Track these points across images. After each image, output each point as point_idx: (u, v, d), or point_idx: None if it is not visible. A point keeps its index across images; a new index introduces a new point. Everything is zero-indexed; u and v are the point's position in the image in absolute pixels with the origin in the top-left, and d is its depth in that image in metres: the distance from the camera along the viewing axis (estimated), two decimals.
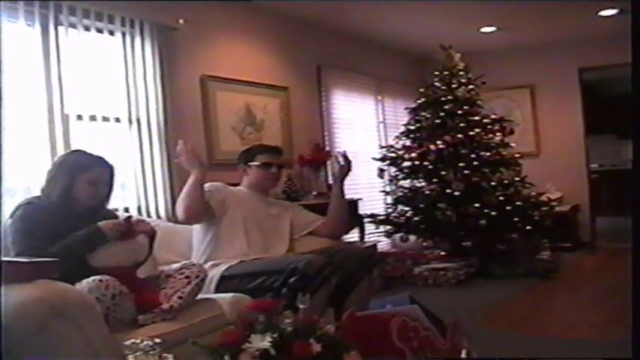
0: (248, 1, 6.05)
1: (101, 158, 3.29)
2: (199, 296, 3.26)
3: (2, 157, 3.46)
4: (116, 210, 3.96)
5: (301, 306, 2.35)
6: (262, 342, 2.13)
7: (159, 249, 3.88)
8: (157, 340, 2.20)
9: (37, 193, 3.25)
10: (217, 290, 3.56)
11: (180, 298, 3.06)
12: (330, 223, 4.24)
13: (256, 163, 4.08)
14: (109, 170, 3.28)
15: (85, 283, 2.73)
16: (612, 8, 6.98)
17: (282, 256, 3.82)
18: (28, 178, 3.97)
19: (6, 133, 3.77)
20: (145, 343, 2.16)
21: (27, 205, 3.08)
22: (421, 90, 7.28)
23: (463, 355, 2.94)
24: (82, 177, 3.14)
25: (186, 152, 3.72)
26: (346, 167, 4.32)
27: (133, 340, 2.18)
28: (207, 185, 3.88)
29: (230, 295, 3.38)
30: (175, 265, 3.31)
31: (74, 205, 3.13)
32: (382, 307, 3.03)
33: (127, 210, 4.57)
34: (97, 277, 2.76)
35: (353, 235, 6.74)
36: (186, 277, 3.17)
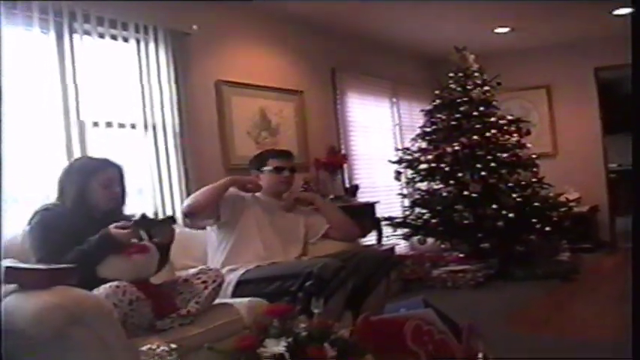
0: (263, 1, 5.97)
1: (107, 160, 3.32)
2: (217, 301, 3.27)
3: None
4: (133, 216, 3.98)
5: (315, 310, 2.35)
6: (277, 346, 2.13)
7: (176, 254, 3.90)
8: (173, 346, 2.20)
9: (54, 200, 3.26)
10: (234, 295, 3.58)
11: (197, 302, 3.07)
12: (334, 228, 4.25)
13: (269, 168, 4.11)
14: (118, 170, 3.29)
15: (103, 289, 2.74)
16: (626, 7, 6.93)
17: (299, 260, 3.82)
18: (46, 186, 3.98)
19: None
20: (161, 348, 2.16)
21: (44, 211, 3.09)
22: (436, 92, 7.25)
23: (479, 358, 2.91)
24: (94, 179, 3.15)
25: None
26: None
27: (149, 346, 2.18)
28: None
29: (247, 299, 3.39)
30: (192, 270, 3.32)
31: (91, 209, 3.15)
32: (396, 310, 3.02)
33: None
34: (114, 283, 2.77)
35: (371, 238, 6.73)
36: (204, 281, 3.17)
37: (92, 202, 3.15)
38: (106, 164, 3.28)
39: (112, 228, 2.95)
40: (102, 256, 2.92)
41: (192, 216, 3.90)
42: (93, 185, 3.15)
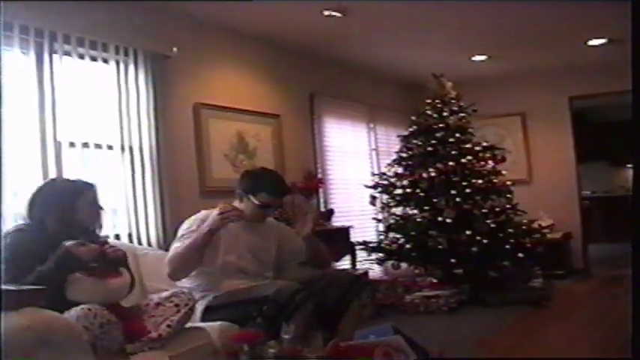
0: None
1: (82, 180, 3.44)
2: (188, 324, 3.27)
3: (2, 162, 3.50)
4: (107, 237, 3.98)
5: (285, 336, 2.36)
6: None
7: (148, 277, 3.90)
8: None
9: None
10: (203, 320, 3.56)
11: (169, 326, 3.07)
12: (312, 259, 4.20)
13: (256, 202, 3.89)
14: (96, 189, 3.40)
15: (74, 312, 2.75)
16: (601, 38, 7.06)
17: (262, 285, 3.74)
18: (20, 205, 3.96)
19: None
20: None
21: (17, 232, 3.10)
22: (413, 118, 7.31)
23: None
24: (82, 199, 3.26)
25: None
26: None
27: None
28: (203, 218, 3.82)
29: (218, 323, 3.40)
30: (165, 293, 3.32)
31: (75, 229, 3.19)
32: (366, 337, 3.04)
33: (117, 237, 4.57)
34: (86, 306, 2.77)
35: (345, 263, 6.75)
36: (176, 305, 3.18)
37: (78, 220, 3.23)
38: (87, 184, 3.39)
39: (69, 245, 2.95)
40: (63, 276, 2.91)
41: (177, 279, 3.75)
42: (82, 203, 3.25)
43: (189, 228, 3.79)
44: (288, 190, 4.15)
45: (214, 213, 3.66)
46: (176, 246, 3.71)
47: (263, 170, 4.20)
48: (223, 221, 3.64)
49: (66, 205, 3.20)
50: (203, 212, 3.92)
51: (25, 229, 3.14)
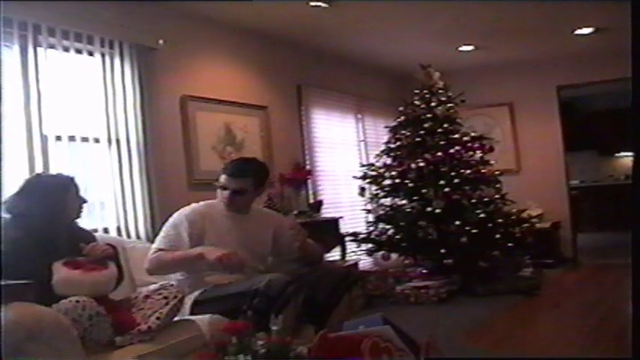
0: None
1: (64, 175, 3.46)
2: (178, 317, 3.25)
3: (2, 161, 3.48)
4: (95, 230, 3.96)
5: (274, 327, 2.35)
6: None
7: (137, 270, 3.88)
8: None
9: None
10: (192, 314, 3.53)
11: (158, 318, 3.06)
12: (306, 257, 4.10)
13: (219, 182, 3.91)
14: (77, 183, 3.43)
15: (62, 304, 2.73)
16: (588, 27, 7.06)
17: (252, 278, 3.69)
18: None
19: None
20: None
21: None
22: (401, 108, 7.30)
23: None
24: (69, 194, 3.28)
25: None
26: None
27: None
28: (187, 214, 3.81)
29: (208, 316, 3.38)
30: (153, 286, 3.31)
31: (65, 221, 3.24)
32: (355, 327, 3.02)
33: (106, 230, 4.55)
34: (74, 298, 2.76)
35: (335, 254, 6.74)
36: (164, 297, 3.17)
37: (68, 214, 3.28)
38: (70, 178, 3.38)
39: None
40: None
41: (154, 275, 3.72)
42: (69, 198, 3.29)
43: (175, 224, 3.77)
44: (245, 174, 3.91)
45: (217, 253, 3.53)
46: (160, 249, 3.68)
47: (243, 157, 4.18)
48: (218, 263, 3.52)
49: (56, 202, 3.20)
50: (192, 206, 3.90)
51: (9, 224, 3.11)
